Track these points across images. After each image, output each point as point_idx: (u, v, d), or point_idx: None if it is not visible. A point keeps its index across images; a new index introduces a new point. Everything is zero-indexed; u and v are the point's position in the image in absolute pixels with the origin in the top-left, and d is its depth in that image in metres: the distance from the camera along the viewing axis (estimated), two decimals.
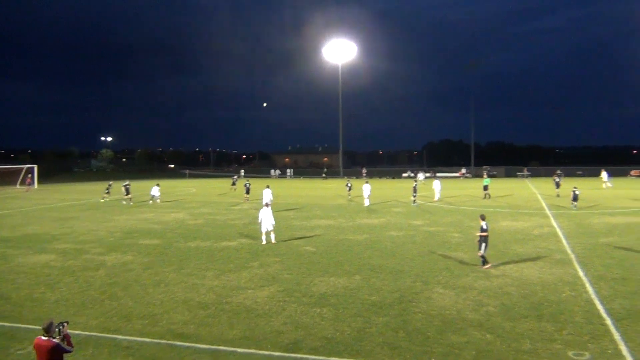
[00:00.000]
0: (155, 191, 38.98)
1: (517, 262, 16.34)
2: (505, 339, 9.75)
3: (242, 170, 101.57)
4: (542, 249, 18.36)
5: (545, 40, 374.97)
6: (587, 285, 13.44)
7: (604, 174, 52.20)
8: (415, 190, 36.00)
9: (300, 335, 10.13)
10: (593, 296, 12.43)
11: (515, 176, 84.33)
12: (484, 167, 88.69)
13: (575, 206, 31.70)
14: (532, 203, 35.83)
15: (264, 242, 20.07)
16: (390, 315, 11.27)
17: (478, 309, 11.60)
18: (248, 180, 45.82)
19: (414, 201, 35.52)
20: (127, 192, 38.68)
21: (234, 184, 52.16)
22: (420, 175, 64.94)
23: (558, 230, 22.67)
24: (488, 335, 9.92)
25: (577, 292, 12.80)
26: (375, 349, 9.39)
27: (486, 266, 15.53)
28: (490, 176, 56.09)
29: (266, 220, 20.07)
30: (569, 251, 17.95)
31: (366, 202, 35.59)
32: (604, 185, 49.90)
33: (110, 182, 45.13)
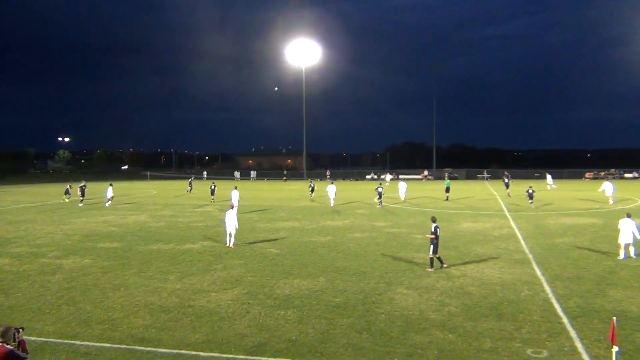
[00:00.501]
0: (110, 192, 38.43)
1: (477, 262, 16.67)
2: (466, 338, 9.92)
3: (205, 172, 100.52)
4: (501, 250, 18.78)
5: (502, 46, 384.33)
6: (545, 284, 13.82)
7: (548, 177, 55.17)
8: (379, 193, 36.33)
9: (264, 337, 10.07)
10: (550, 295, 12.78)
11: (476, 178, 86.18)
12: (446, 169, 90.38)
13: (532, 203, 32.92)
14: (491, 204, 36.64)
15: (228, 244, 19.81)
16: (354, 316, 11.32)
17: (440, 309, 11.77)
18: (214, 182, 45.53)
19: (380, 203, 35.88)
20: (83, 193, 38.02)
21: (190, 185, 51.88)
22: (387, 177, 65.61)
23: (516, 231, 23.24)
24: (450, 335, 10.08)
25: (535, 292, 13.14)
26: (339, 350, 9.42)
27: (444, 266, 15.88)
28: (451, 178, 57.20)
29: (230, 222, 19.84)
30: (527, 251, 18.42)
31: (331, 203, 35.97)
32: (548, 187, 52.08)
33: (70, 184, 44.03)
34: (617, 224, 17.53)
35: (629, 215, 17.56)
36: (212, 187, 42.22)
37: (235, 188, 33.53)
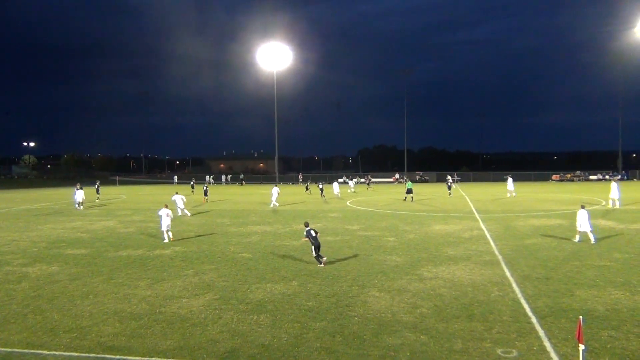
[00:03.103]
0: (79, 195, 38.21)
1: (448, 264, 16.86)
2: (438, 339, 10.02)
3: (175, 177, 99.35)
4: (472, 251, 19.04)
5: (472, 51, 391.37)
6: (514, 285, 14.05)
7: (509, 182, 48.83)
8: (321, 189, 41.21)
9: (237, 343, 9.99)
10: (519, 296, 13.00)
11: (446, 181, 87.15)
12: (417, 172, 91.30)
13: (451, 194, 35.47)
14: (462, 207, 37.13)
15: (166, 240, 22.11)
16: (327, 320, 11.32)
17: (412, 311, 11.86)
18: (206, 185, 51.03)
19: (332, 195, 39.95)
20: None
21: (192, 187, 57.70)
22: (351, 183, 65.81)
23: (486, 232, 23.59)
24: (422, 337, 10.17)
25: (505, 292, 13.35)
26: (312, 354, 9.41)
27: (322, 263, 16.84)
28: (422, 181, 57.79)
29: (165, 221, 22.50)
30: (496, 253, 18.71)
31: (273, 205, 38.75)
32: (508, 195, 47.26)
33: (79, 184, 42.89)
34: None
35: (583, 207, 21.02)
36: (205, 188, 46.68)
37: (177, 193, 33.87)
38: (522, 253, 18.61)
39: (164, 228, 22.49)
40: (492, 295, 13.13)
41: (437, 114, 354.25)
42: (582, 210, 20.71)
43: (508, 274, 15.39)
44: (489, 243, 20.84)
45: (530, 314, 11.51)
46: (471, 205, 37.83)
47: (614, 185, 35.46)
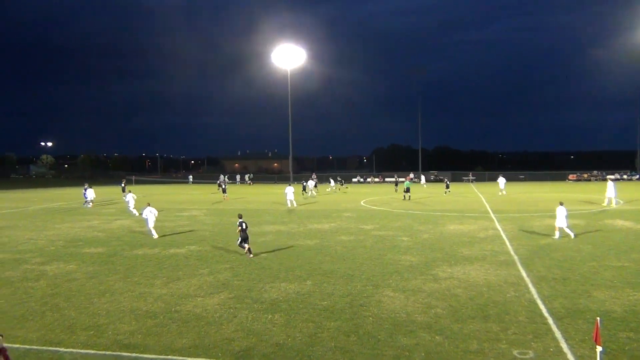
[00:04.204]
0: (90, 194, 39.18)
1: (463, 264, 16.76)
2: (453, 340, 9.97)
3: (190, 177, 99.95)
4: (487, 251, 18.91)
5: (484, 49, 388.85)
6: (530, 285, 13.93)
7: (500, 181, 51.43)
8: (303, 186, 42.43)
9: (252, 342, 10.03)
10: (535, 296, 12.89)
11: (461, 181, 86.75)
12: (431, 171, 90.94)
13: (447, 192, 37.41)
14: (477, 206, 36.89)
15: (154, 236, 23.48)
16: (342, 319, 11.32)
17: (427, 311, 11.81)
18: (224, 183, 55.35)
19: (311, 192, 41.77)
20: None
21: (220, 186, 57.51)
22: (332, 182, 66.01)
23: (502, 232, 23.41)
24: (437, 337, 10.12)
25: (521, 293, 13.24)
26: (326, 353, 9.41)
27: (249, 255, 18.41)
28: (437, 181, 57.89)
29: (150, 219, 23.81)
30: (512, 253, 18.56)
31: (290, 203, 39.34)
32: (499, 193, 49.13)
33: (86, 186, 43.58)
34: (600, 225, 18.28)
35: (561, 204, 22.02)
36: (223, 187, 50.45)
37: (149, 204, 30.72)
38: (538, 253, 18.44)
39: (150, 225, 23.76)
40: (508, 295, 13.02)
41: (451, 113, 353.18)
42: (561, 207, 21.72)
43: (524, 274, 15.26)
44: (504, 243, 20.68)
45: (546, 314, 11.40)
46: (486, 205, 37.57)
47: (610, 184, 36.48)
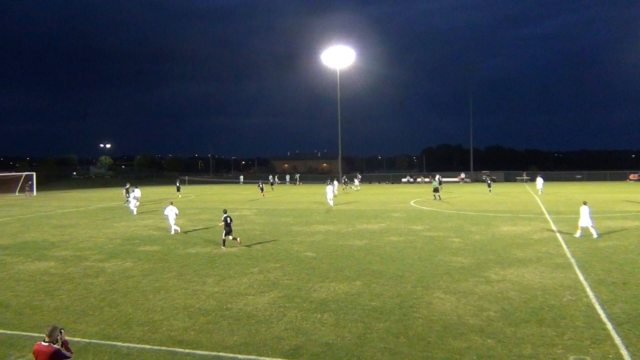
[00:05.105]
0: (138, 193, 40.69)
1: (517, 266, 16.33)
2: (506, 344, 9.73)
3: (241, 177, 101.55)
4: (542, 254, 18.35)
5: (539, 45, 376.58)
6: (588, 289, 13.43)
7: (539, 181, 52.60)
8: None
9: (301, 341, 10.11)
10: (593, 300, 12.41)
11: (515, 181, 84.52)
12: (483, 171, 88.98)
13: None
14: (531, 207, 35.85)
15: (172, 232, 25.18)
16: (391, 320, 11.24)
17: (479, 314, 11.58)
18: (261, 181, 57.76)
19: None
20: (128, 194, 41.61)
21: (268, 184, 60.37)
22: (356, 181, 66.31)
23: (558, 234, 22.66)
24: (489, 341, 9.90)
25: (578, 297, 12.78)
26: (376, 354, 9.37)
27: (224, 246, 20.46)
28: (491, 180, 57.14)
29: (171, 216, 25.35)
30: (568, 255, 17.94)
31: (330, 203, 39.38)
32: (539, 192, 50.09)
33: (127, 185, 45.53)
34: None
35: (585, 203, 22.25)
36: (261, 186, 53.42)
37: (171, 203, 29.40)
38: (597, 256, 17.75)
39: (171, 221, 25.49)
40: (564, 299, 12.60)
41: (504, 112, 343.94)
42: (584, 206, 22.00)
43: (581, 277, 14.73)
44: (560, 245, 20.01)
45: (605, 320, 10.96)
46: (541, 206, 36.45)
47: None
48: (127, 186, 43.81)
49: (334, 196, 40.61)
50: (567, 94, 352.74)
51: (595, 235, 21.41)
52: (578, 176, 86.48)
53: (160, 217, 33.21)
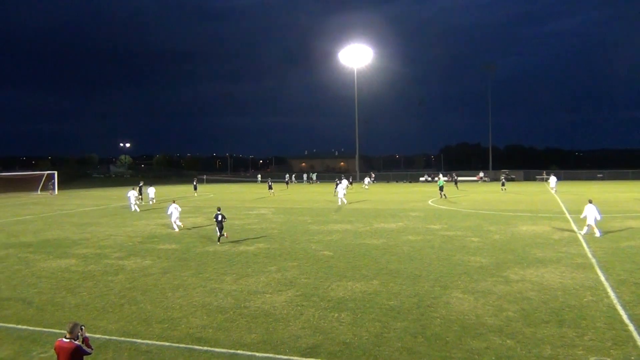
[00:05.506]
0: (152, 193, 42.10)
1: (537, 266, 16.15)
2: (525, 344, 9.63)
3: (259, 175, 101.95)
4: (562, 254, 18.12)
5: (559, 43, 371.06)
6: (609, 290, 13.23)
7: (552, 179, 52.64)
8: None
9: (319, 339, 10.12)
10: (615, 301, 12.23)
11: (535, 180, 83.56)
12: (503, 170, 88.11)
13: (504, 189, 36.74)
14: (551, 206, 35.41)
15: (176, 229, 25.79)
16: (409, 320, 11.20)
17: (498, 314, 11.48)
18: (270, 179, 58.93)
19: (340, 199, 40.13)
20: (141, 193, 43.63)
21: (270, 186, 57.39)
22: (366, 180, 66.59)
23: (578, 234, 22.36)
24: (508, 341, 9.81)
25: (599, 297, 12.60)
26: (393, 354, 9.34)
27: (219, 241, 21.44)
28: (508, 180, 56.60)
29: (174, 214, 26.04)
30: (589, 255, 17.69)
31: (342, 201, 39.76)
32: (552, 191, 49.90)
33: (141, 183, 46.70)
34: None
35: (590, 201, 22.38)
36: (269, 184, 54.47)
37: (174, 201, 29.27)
38: (619, 256, 17.47)
39: (173, 219, 26.15)
40: (585, 300, 12.43)
41: (523, 110, 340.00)
42: (590, 204, 22.14)
43: (603, 278, 14.51)
44: (581, 245, 19.74)
45: (627, 321, 10.78)
46: (562, 206, 35.99)
47: None
48: (141, 184, 44.86)
49: (344, 195, 40.73)
50: (588, 92, 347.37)
51: (597, 234, 21.60)
52: (599, 175, 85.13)
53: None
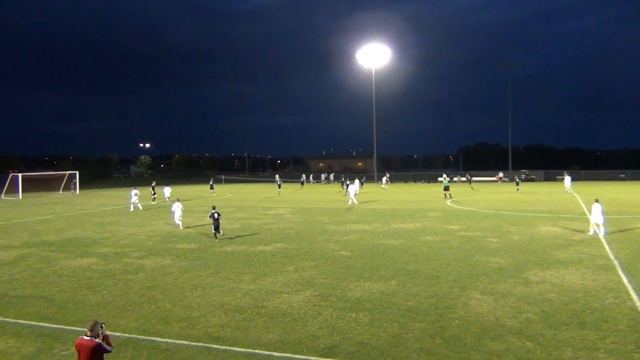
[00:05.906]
0: (167, 192, 42.74)
1: (557, 268, 15.95)
2: (545, 347, 9.51)
3: (277, 175, 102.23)
4: (583, 255, 17.87)
5: (579, 42, 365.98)
6: (632, 292, 13.01)
7: (567, 179, 52.44)
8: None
9: (336, 340, 10.12)
10: (638, 304, 12.02)
11: (555, 180, 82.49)
12: (522, 170, 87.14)
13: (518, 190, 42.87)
14: (572, 207, 34.93)
15: (180, 227, 26.44)
16: (427, 321, 11.14)
17: (517, 315, 11.36)
18: (279, 180, 59.80)
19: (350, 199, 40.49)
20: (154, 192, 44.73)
21: (279, 185, 58.47)
22: (384, 179, 66.87)
23: (600, 235, 22.02)
24: (528, 343, 9.70)
25: (621, 300, 12.40)
26: (411, 355, 9.30)
27: (217, 239, 22.23)
28: (528, 180, 56.13)
29: (176, 213, 26.93)
30: (611, 257, 17.42)
31: (353, 201, 39.79)
32: (567, 191, 49.97)
33: (153, 183, 47.58)
34: None
35: (597, 201, 22.31)
36: (279, 183, 56.29)
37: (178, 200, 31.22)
38: None
39: (176, 218, 27.00)
40: (607, 302, 12.24)
41: (543, 109, 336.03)
42: (596, 204, 22.11)
43: (625, 280, 14.27)
44: (603, 247, 19.44)
45: None
46: (583, 206, 35.47)
47: None
48: (153, 184, 45.75)
49: (355, 194, 40.84)
50: (609, 91, 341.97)
51: (602, 233, 21.85)
52: (622, 175, 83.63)
53: (197, 215, 33.75)
